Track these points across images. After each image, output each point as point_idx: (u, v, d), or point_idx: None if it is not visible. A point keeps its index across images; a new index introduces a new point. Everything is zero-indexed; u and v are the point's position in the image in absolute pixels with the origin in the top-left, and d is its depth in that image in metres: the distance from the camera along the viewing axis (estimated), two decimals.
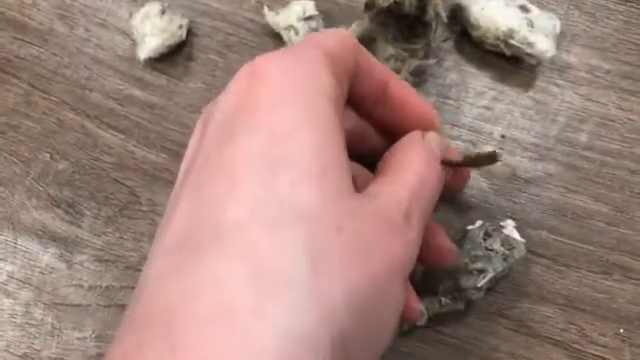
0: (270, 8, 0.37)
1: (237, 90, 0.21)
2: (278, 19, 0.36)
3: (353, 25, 0.34)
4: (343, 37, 0.24)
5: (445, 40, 0.36)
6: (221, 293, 0.17)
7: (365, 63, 0.25)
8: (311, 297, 0.18)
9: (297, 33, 0.35)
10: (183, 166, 0.23)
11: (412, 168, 0.24)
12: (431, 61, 0.35)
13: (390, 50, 0.33)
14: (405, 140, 0.26)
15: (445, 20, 0.33)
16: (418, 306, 0.28)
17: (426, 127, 0.27)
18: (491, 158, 0.28)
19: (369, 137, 0.27)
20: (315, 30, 0.36)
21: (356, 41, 0.25)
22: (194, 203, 0.20)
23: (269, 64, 0.21)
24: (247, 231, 0.18)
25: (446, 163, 0.26)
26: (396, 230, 0.21)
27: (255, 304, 0.17)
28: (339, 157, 0.20)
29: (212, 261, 0.18)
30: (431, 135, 0.26)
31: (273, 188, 0.19)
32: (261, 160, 0.19)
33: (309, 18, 0.35)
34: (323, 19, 0.36)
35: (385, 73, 0.26)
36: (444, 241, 0.28)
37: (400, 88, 0.26)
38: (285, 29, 0.36)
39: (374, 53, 0.33)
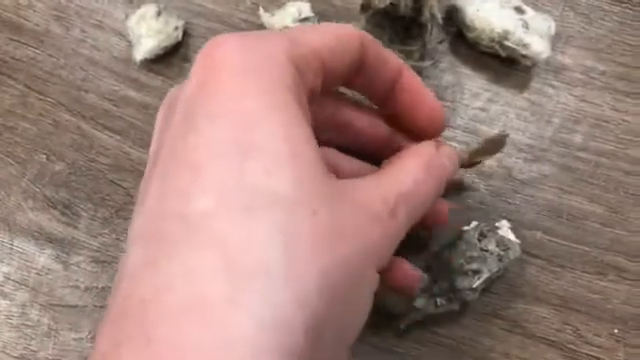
0: (265, 9, 0.37)
1: (196, 74, 0.21)
2: (273, 20, 0.36)
3: (350, 25, 0.34)
4: (332, 31, 0.23)
5: (441, 42, 0.37)
6: (193, 285, 0.17)
7: (376, 54, 0.25)
8: (286, 283, 0.18)
9: None
10: (151, 152, 0.23)
11: (409, 171, 0.24)
12: (427, 63, 0.35)
13: None
14: (416, 145, 0.27)
15: (440, 22, 0.33)
16: (414, 272, 0.29)
17: (433, 124, 0.27)
18: (499, 142, 0.28)
19: (355, 127, 0.28)
20: None
21: (362, 33, 0.24)
22: (161, 195, 0.20)
23: (225, 47, 0.21)
24: (216, 220, 0.18)
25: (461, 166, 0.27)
26: (377, 221, 0.21)
27: (229, 294, 0.17)
28: (308, 144, 0.20)
29: (183, 253, 0.18)
30: (447, 149, 0.27)
31: (243, 176, 0.19)
32: (227, 148, 0.19)
33: (305, 19, 0.36)
34: (319, 21, 0.36)
35: (398, 64, 0.26)
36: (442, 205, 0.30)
37: (412, 80, 0.26)
38: (281, 30, 0.36)
39: None
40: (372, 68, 0.25)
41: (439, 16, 0.33)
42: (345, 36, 0.23)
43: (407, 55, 0.34)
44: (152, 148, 0.23)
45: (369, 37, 0.25)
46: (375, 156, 0.28)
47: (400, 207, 0.22)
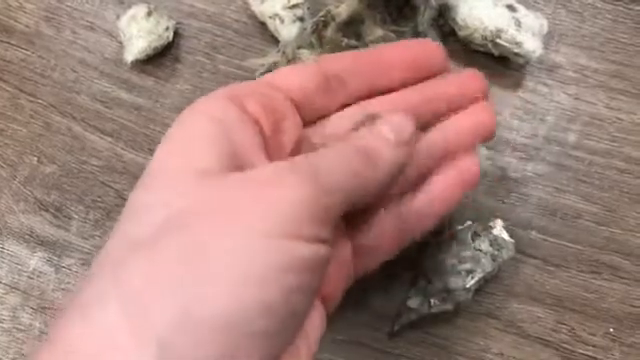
0: None
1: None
2: (263, 8, 0.36)
3: (342, 6, 0.34)
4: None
5: (433, 24, 0.36)
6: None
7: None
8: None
9: (282, 21, 0.35)
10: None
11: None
12: None
13: (379, 32, 0.33)
14: None
15: (434, 4, 0.33)
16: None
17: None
18: None
19: None
20: (301, 19, 0.35)
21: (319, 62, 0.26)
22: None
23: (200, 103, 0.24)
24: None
25: None
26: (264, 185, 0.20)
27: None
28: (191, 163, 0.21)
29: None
30: (394, 120, 0.24)
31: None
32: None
33: (294, 6, 0.35)
34: (309, 7, 0.36)
35: None
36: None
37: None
38: (270, 18, 0.35)
39: (362, 34, 0.33)
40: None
41: None
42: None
43: (399, 36, 0.33)
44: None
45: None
46: None
47: (300, 166, 0.20)
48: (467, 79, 0.28)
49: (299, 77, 0.25)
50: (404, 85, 0.27)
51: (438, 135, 0.27)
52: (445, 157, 0.27)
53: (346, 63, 0.26)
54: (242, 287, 0.18)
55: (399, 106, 0.26)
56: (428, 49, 0.28)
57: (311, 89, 0.25)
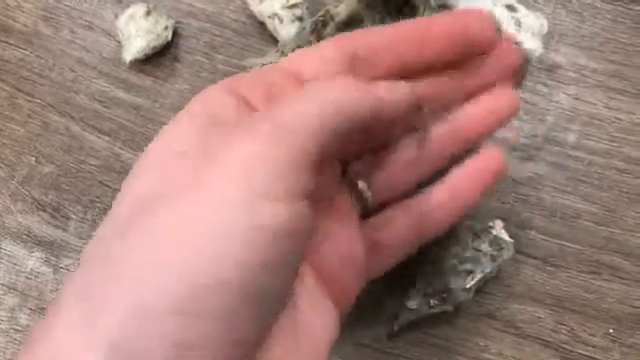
0: None
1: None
2: (262, 7, 0.36)
3: (341, 6, 0.34)
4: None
5: None
6: None
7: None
8: None
9: (281, 21, 0.35)
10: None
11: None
12: None
13: None
14: None
15: (433, 4, 0.33)
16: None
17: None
18: None
19: None
20: (300, 18, 0.35)
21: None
22: None
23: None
24: None
25: None
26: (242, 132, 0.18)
27: None
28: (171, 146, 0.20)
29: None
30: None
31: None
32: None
33: (293, 6, 0.35)
34: (307, 8, 0.36)
35: None
36: None
37: None
38: (269, 17, 0.35)
39: None
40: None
41: None
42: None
43: None
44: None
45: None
46: None
47: (261, 115, 0.19)
48: (505, 53, 0.26)
49: (317, 60, 0.23)
50: (443, 64, 0.25)
51: (457, 118, 0.26)
52: (466, 145, 0.26)
53: (376, 39, 0.23)
54: (195, 266, 0.16)
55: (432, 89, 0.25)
56: (475, 22, 0.25)
57: (330, 73, 0.23)
